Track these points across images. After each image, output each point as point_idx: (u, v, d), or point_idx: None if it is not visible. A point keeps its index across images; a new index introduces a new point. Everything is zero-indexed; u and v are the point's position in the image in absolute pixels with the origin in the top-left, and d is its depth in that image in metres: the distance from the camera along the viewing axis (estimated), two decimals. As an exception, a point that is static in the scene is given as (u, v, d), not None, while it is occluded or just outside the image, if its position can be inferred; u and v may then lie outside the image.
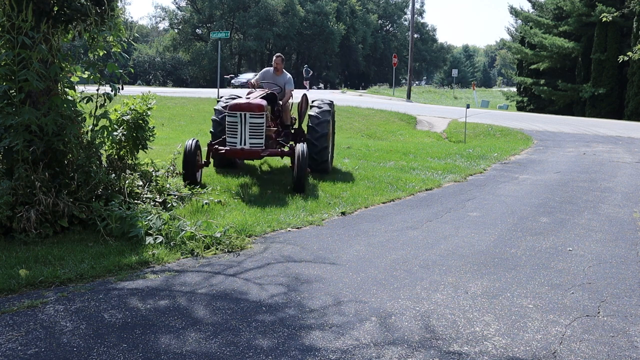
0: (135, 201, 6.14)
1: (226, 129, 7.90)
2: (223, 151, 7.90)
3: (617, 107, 35.44)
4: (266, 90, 8.97)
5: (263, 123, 7.88)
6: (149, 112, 7.00)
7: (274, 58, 9.59)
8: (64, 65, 5.95)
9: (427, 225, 6.62)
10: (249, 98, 8.21)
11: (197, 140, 7.88)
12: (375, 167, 10.30)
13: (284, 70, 9.55)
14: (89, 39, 6.24)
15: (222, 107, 8.74)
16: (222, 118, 8.70)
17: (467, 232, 6.34)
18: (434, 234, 6.26)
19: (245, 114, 7.70)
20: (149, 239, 5.33)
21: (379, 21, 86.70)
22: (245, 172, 8.98)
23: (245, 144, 7.73)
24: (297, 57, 79.96)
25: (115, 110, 6.96)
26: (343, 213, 7.05)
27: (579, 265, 5.27)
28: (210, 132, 9.06)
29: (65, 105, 5.79)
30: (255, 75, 9.72)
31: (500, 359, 3.42)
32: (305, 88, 44.49)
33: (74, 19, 6.09)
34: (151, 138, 7.11)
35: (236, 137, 7.77)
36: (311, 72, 50.96)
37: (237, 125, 7.74)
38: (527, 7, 56.75)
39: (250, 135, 7.72)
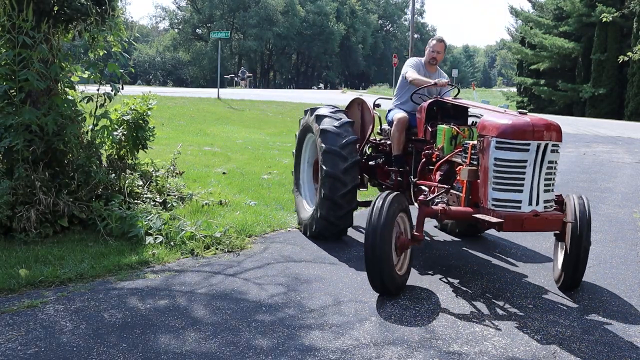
0: (135, 201, 6.14)
1: (494, 174, 4.21)
2: (496, 222, 4.13)
3: (617, 107, 35.49)
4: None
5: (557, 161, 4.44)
6: (149, 112, 6.99)
7: (434, 43, 5.84)
8: (64, 65, 5.94)
9: (427, 225, 6.61)
10: (510, 113, 4.41)
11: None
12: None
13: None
14: (89, 38, 6.24)
15: (502, 133, 4.16)
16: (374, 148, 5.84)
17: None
18: (433, 233, 6.26)
19: (546, 145, 4.17)
20: (149, 239, 5.33)
21: (379, 21, 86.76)
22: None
23: (538, 203, 4.22)
24: (297, 57, 79.93)
25: (116, 110, 6.95)
26: (343, 213, 7.05)
27: (578, 265, 5.26)
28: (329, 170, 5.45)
29: (65, 105, 5.79)
30: (409, 69, 5.79)
31: (500, 359, 3.42)
32: (244, 87, 44.91)
33: (74, 19, 6.08)
34: (151, 138, 7.10)
35: (521, 191, 4.18)
36: (247, 72, 51.34)
37: (525, 168, 4.17)
38: (527, 7, 56.72)
39: (546, 184, 4.26)
